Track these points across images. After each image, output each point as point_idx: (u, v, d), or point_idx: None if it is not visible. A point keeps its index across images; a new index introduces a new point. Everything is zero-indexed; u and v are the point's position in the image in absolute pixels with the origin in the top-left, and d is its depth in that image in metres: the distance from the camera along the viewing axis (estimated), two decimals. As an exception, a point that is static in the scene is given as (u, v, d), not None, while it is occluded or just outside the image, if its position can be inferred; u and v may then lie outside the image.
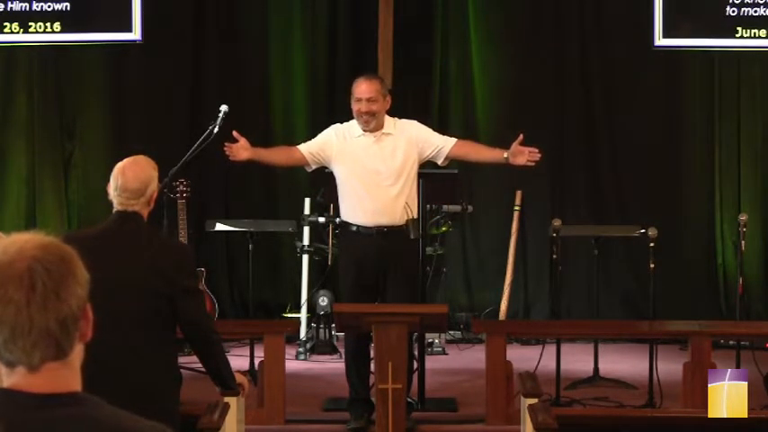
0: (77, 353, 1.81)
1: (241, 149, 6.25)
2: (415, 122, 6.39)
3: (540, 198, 9.25)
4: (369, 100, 6.18)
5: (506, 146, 6.26)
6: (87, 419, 1.72)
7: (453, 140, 6.34)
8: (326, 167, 6.42)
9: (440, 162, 6.37)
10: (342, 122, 6.44)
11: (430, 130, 6.39)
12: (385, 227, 6.17)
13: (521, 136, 6.21)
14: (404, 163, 6.20)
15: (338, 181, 6.31)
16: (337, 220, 6.65)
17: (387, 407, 5.35)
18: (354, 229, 6.22)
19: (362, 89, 6.23)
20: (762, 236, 9.13)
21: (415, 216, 6.21)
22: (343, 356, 6.58)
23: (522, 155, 6.22)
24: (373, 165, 6.18)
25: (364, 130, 6.23)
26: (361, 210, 6.20)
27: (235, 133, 6.27)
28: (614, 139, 9.26)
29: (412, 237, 6.15)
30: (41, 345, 1.75)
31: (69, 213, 9.13)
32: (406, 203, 6.17)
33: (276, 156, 6.61)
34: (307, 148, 6.33)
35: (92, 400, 1.78)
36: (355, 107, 6.23)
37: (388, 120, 6.29)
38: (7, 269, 1.74)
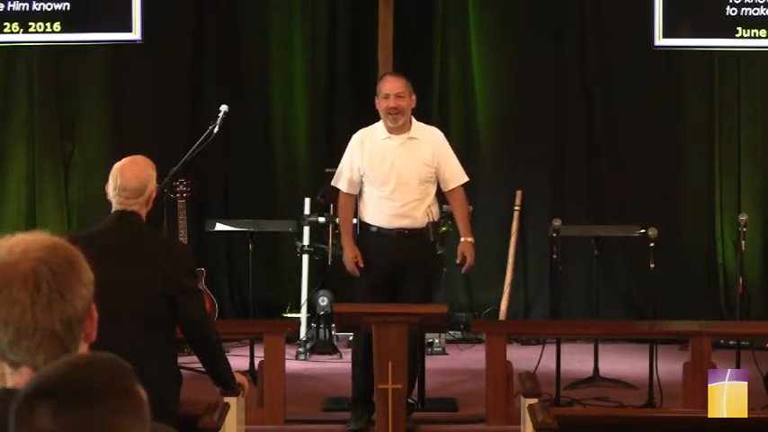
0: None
1: (359, 260, 6.24)
2: (440, 135, 6.37)
3: (540, 198, 9.24)
4: (397, 96, 6.18)
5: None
6: None
7: (459, 184, 6.32)
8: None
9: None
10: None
11: (452, 153, 6.36)
12: (406, 229, 6.19)
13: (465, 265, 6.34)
14: (427, 168, 6.21)
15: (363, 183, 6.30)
16: (355, 220, 6.58)
17: (387, 407, 5.34)
18: (375, 230, 6.23)
19: (390, 85, 6.23)
20: (762, 236, 9.13)
21: (437, 219, 6.25)
22: (351, 355, 6.53)
23: (461, 255, 6.31)
24: (397, 167, 6.18)
25: (390, 130, 6.21)
26: (381, 212, 6.21)
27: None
28: (614, 139, 9.26)
29: (432, 239, 6.19)
30: (46, 345, 1.75)
31: (69, 213, 9.13)
32: (429, 206, 6.20)
33: (351, 217, 6.44)
34: (348, 186, 6.29)
35: None
36: (383, 104, 6.21)
37: (415, 124, 6.29)
38: (12, 270, 1.74)
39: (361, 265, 6.23)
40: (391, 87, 6.22)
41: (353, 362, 6.37)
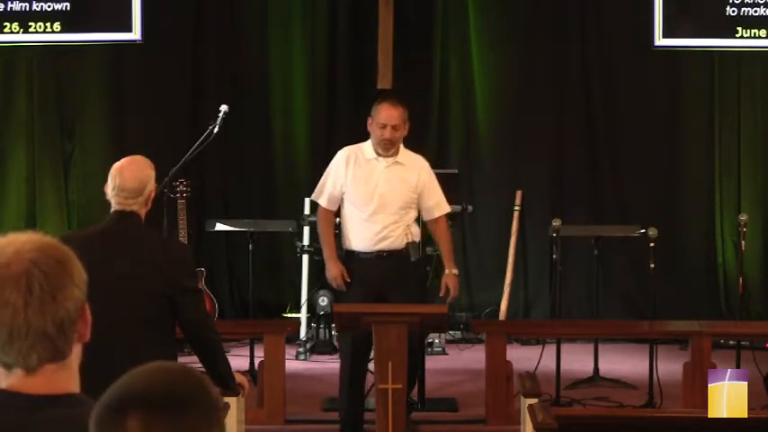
0: (75, 354, 1.80)
1: (345, 275, 6.14)
2: (426, 164, 6.25)
3: (540, 198, 9.24)
4: (393, 127, 6.02)
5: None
6: (84, 421, 1.72)
7: (443, 213, 6.23)
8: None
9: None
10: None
11: (436, 183, 6.24)
12: (385, 251, 6.08)
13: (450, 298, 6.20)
14: (408, 194, 6.12)
15: (343, 203, 6.19)
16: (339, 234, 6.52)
17: (387, 407, 5.34)
18: (354, 255, 6.12)
19: (388, 115, 6.03)
20: (762, 236, 9.14)
21: (416, 240, 6.15)
22: (339, 373, 6.27)
23: (445, 287, 6.18)
24: (381, 190, 6.08)
25: (378, 153, 6.11)
26: (361, 234, 6.09)
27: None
28: (614, 139, 9.26)
29: (412, 259, 6.11)
30: (38, 347, 1.74)
31: (69, 213, 9.13)
32: (408, 227, 6.12)
33: (332, 232, 6.30)
34: (328, 202, 6.17)
35: (89, 401, 1.78)
36: (377, 132, 6.04)
37: (402, 150, 6.16)
38: (4, 271, 1.73)
39: (348, 280, 6.15)
40: (388, 117, 6.03)
41: (341, 382, 6.16)
